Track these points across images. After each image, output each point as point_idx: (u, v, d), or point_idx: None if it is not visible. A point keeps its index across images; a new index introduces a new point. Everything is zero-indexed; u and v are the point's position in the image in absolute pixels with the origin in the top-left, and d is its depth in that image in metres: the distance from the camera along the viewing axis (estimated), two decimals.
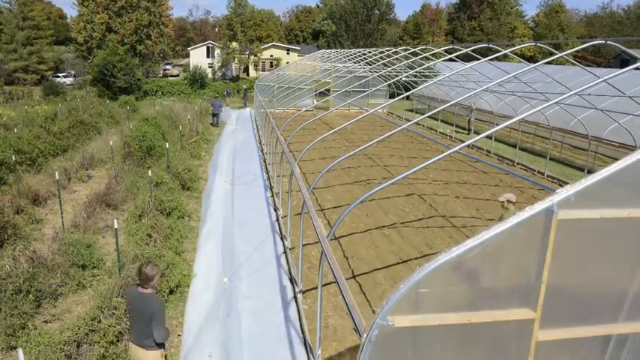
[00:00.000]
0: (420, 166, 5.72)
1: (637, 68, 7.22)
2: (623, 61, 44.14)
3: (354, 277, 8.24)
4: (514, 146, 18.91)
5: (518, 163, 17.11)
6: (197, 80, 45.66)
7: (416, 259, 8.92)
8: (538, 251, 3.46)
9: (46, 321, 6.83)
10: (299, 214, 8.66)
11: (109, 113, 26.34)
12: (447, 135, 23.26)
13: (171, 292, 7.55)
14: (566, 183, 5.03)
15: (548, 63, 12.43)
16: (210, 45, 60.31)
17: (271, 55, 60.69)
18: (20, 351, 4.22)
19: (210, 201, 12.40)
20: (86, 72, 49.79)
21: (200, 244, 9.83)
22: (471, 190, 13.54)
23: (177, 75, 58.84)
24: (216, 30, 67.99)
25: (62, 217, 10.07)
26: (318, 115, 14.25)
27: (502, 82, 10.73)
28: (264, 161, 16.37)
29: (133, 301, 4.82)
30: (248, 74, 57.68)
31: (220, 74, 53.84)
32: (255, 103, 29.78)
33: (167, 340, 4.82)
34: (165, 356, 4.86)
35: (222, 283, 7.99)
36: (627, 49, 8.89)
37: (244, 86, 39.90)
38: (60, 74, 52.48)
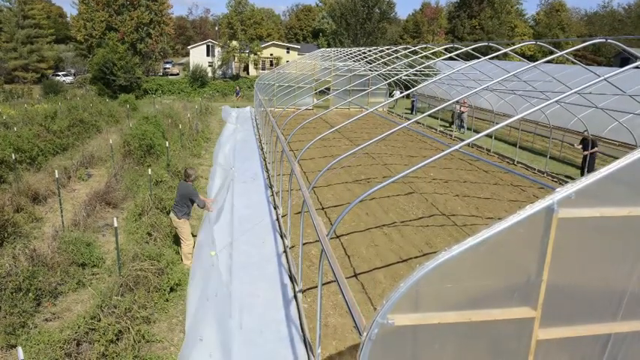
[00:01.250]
0: (420, 165, 5.71)
1: (637, 67, 7.20)
2: (624, 59, 44.11)
3: (354, 275, 8.24)
4: (514, 145, 18.91)
5: (518, 162, 17.11)
6: (197, 79, 45.66)
7: (416, 257, 8.92)
8: (538, 250, 3.46)
9: (46, 319, 6.83)
10: (299, 212, 8.65)
11: (108, 112, 26.34)
12: (446, 133, 23.27)
13: (171, 290, 7.56)
14: (567, 182, 5.03)
15: (549, 62, 12.41)
16: (210, 44, 60.27)
17: (271, 54, 60.64)
18: (20, 349, 4.22)
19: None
20: (86, 70, 49.79)
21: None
22: (471, 189, 13.53)
23: (177, 74, 58.84)
24: (216, 28, 67.93)
25: (62, 216, 10.07)
26: (318, 114, 14.24)
27: (502, 81, 10.71)
28: (264, 160, 16.37)
29: (179, 188, 8.62)
30: (248, 73, 57.67)
31: (220, 73, 53.82)
32: (255, 102, 29.74)
33: (204, 206, 8.80)
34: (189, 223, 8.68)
35: (211, 257, 8.20)
36: (628, 48, 8.87)
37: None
38: (60, 73, 52.47)
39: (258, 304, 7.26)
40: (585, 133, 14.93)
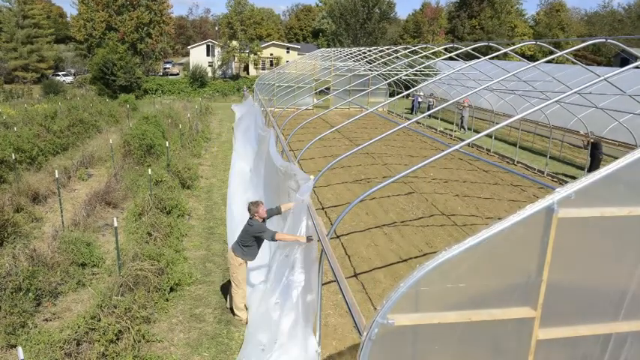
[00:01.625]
0: (420, 165, 5.71)
1: (637, 67, 7.19)
2: (624, 59, 44.10)
3: (354, 275, 8.24)
4: (514, 145, 18.91)
5: (518, 162, 17.10)
6: (197, 79, 45.64)
7: (416, 257, 8.92)
8: (538, 250, 3.46)
9: (45, 319, 6.83)
10: None
11: (108, 112, 26.34)
12: (446, 133, 23.26)
13: (171, 290, 7.56)
14: (567, 181, 5.03)
15: (549, 62, 12.38)
16: (210, 43, 60.25)
17: (271, 54, 60.64)
18: (20, 349, 4.22)
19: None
20: (86, 70, 49.77)
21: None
22: (471, 189, 13.53)
23: (177, 74, 58.81)
24: (216, 28, 67.92)
25: (62, 216, 10.07)
26: (318, 114, 14.25)
27: (502, 81, 10.72)
28: None
29: (245, 226, 6.75)
30: (248, 73, 57.65)
31: (220, 73, 53.81)
32: (255, 102, 29.71)
33: (273, 237, 6.32)
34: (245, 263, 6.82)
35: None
36: (628, 48, 8.87)
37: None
38: (60, 73, 52.44)
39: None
40: (591, 134, 14.79)
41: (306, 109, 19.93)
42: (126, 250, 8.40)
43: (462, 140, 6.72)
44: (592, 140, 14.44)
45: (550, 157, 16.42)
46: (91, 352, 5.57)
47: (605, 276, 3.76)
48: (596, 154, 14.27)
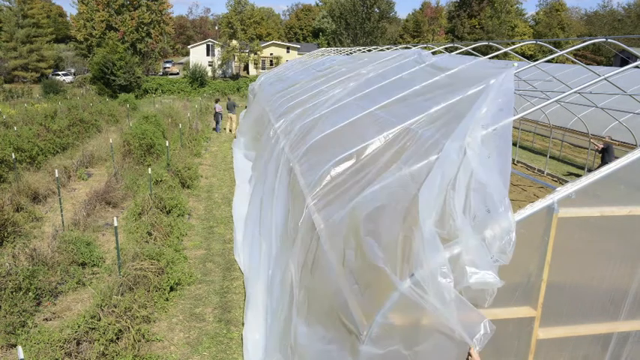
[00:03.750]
0: None
1: (637, 66, 7.18)
2: (624, 59, 44.08)
3: None
4: (514, 144, 18.90)
5: (518, 162, 17.09)
6: (197, 78, 45.63)
7: None
8: (539, 249, 3.46)
9: (45, 319, 6.83)
10: None
11: (108, 111, 26.30)
12: None
13: (171, 289, 7.56)
14: (567, 181, 5.03)
15: (549, 61, 12.33)
16: (210, 43, 60.24)
17: (271, 54, 60.61)
18: (20, 349, 4.22)
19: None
20: (86, 70, 49.80)
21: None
22: None
23: (177, 73, 58.79)
24: (216, 28, 67.90)
25: (62, 215, 10.06)
26: None
27: None
28: None
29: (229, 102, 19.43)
30: (248, 72, 57.66)
31: (220, 72, 53.81)
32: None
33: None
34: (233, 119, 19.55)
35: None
36: (627, 48, 8.85)
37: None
38: (60, 72, 52.44)
39: None
40: (607, 138, 14.31)
41: None
42: (126, 249, 8.39)
43: None
44: (603, 145, 13.82)
45: (550, 157, 16.41)
46: (91, 351, 5.57)
47: (606, 276, 3.76)
48: (607, 158, 13.65)
